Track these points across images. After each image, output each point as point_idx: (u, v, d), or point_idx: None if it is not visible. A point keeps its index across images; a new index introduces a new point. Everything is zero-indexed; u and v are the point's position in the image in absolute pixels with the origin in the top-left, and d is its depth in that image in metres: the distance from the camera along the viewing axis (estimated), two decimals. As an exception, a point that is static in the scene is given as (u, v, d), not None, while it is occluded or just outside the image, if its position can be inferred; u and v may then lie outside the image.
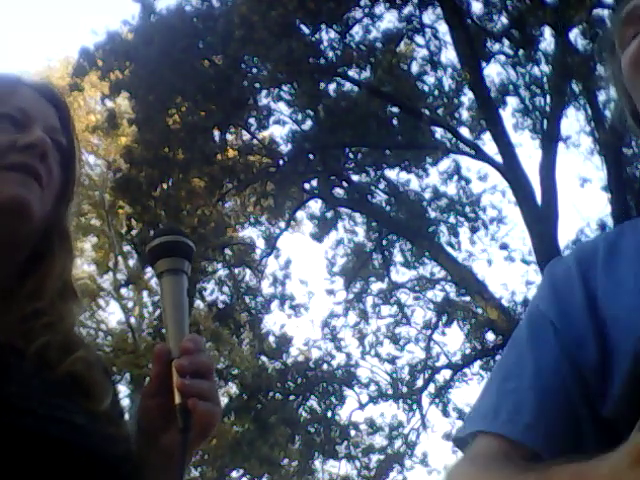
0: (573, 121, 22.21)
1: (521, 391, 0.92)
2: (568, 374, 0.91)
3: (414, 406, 12.55)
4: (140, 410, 1.07)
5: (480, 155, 11.19)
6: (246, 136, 12.01)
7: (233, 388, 13.55)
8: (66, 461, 0.99)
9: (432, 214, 12.44)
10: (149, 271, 14.01)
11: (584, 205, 35.51)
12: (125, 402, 13.27)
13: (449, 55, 17.91)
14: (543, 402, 0.90)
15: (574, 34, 10.17)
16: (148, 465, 1.06)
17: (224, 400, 12.27)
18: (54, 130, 1.17)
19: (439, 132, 11.61)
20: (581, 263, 0.97)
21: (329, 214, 12.75)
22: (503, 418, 0.91)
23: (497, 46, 10.74)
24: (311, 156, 11.60)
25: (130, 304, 16.54)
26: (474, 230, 12.47)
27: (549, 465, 0.75)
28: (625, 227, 1.01)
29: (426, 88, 11.55)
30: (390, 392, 12.81)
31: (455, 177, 12.43)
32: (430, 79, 11.50)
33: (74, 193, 1.23)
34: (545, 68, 10.88)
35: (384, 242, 12.76)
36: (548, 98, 11.02)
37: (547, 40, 10.57)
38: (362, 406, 12.90)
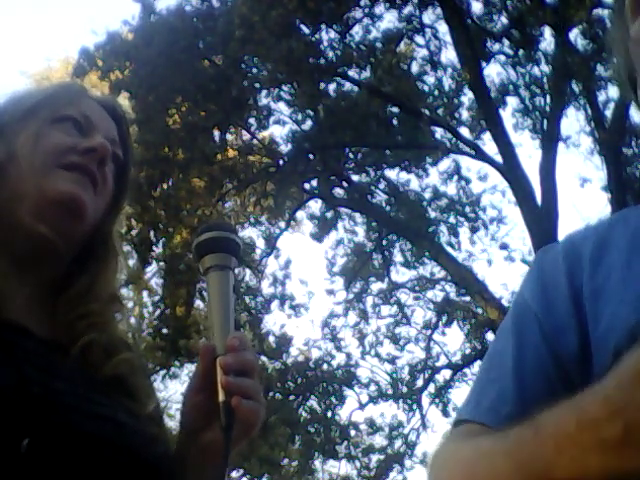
0: (573, 121, 22.24)
1: (503, 380, 0.92)
2: (550, 365, 0.91)
3: (414, 406, 12.56)
4: (183, 407, 1.07)
5: (480, 155, 11.19)
6: (246, 136, 12.01)
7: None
8: (109, 459, 0.99)
9: (432, 214, 12.43)
10: (149, 271, 14.01)
11: (584, 205, 35.51)
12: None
13: (449, 55, 17.89)
14: (525, 392, 0.90)
15: (574, 34, 10.18)
16: (188, 462, 1.06)
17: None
18: (113, 142, 1.20)
19: (439, 132, 11.61)
20: (568, 256, 0.97)
21: (329, 214, 12.74)
22: (485, 406, 0.92)
23: (497, 46, 10.75)
24: (311, 156, 11.60)
25: (130, 304, 16.54)
26: (474, 230, 12.47)
27: (536, 415, 0.74)
28: (617, 218, 1.00)
29: (426, 88, 11.55)
30: (390, 392, 12.80)
31: (455, 177, 12.43)
32: (430, 79, 11.51)
33: (123, 208, 1.25)
34: (545, 68, 10.89)
35: (384, 242, 12.75)
36: (548, 98, 11.02)
37: (547, 40, 10.59)
38: (362, 406, 12.90)
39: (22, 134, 1.13)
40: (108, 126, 1.22)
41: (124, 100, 11.66)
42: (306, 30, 10.36)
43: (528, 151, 30.62)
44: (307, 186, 12.19)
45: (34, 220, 1.08)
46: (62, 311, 1.11)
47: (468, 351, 12.45)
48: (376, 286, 13.12)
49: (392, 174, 12.47)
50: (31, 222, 1.08)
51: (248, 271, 12.86)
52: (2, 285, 1.03)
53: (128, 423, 1.04)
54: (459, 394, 12.74)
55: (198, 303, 12.42)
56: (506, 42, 10.69)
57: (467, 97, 11.59)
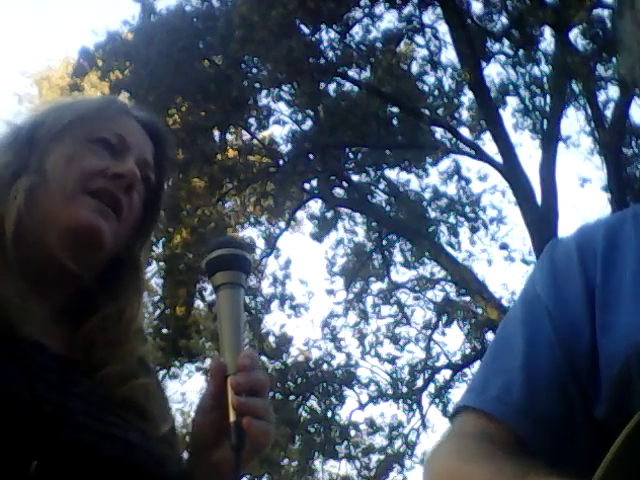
0: (573, 121, 22.18)
1: (511, 370, 0.90)
2: (561, 360, 0.89)
3: (414, 406, 12.56)
4: (194, 425, 1.07)
5: (480, 155, 11.19)
6: (246, 136, 12.01)
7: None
8: (119, 479, 0.99)
9: (432, 214, 12.44)
10: (149, 271, 14.00)
11: (584, 205, 35.50)
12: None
13: (449, 55, 17.89)
14: (534, 384, 0.88)
15: (574, 34, 10.17)
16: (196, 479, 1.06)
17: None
18: (146, 164, 1.19)
19: (439, 132, 11.62)
20: (582, 251, 0.95)
21: (329, 214, 12.74)
22: (491, 395, 0.90)
23: (497, 46, 10.74)
24: (311, 156, 11.60)
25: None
26: (474, 230, 12.47)
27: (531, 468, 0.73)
28: (628, 216, 0.98)
29: (426, 88, 11.55)
30: (390, 392, 12.80)
31: (455, 177, 12.44)
32: (430, 79, 11.52)
33: (152, 232, 1.25)
34: (545, 68, 10.89)
35: (384, 242, 12.75)
36: (548, 98, 11.01)
37: (547, 40, 10.58)
38: (362, 406, 12.89)
39: (55, 152, 1.13)
40: (143, 147, 1.20)
41: (124, 100, 11.66)
42: (306, 30, 10.36)
43: (528, 151, 30.55)
44: (307, 186, 12.20)
45: (61, 250, 1.09)
46: (84, 334, 1.11)
47: (468, 351, 12.45)
48: (376, 286, 13.14)
49: (392, 174, 12.49)
50: (58, 251, 1.08)
51: (248, 271, 12.83)
52: (19, 302, 1.03)
53: (139, 443, 1.04)
54: (459, 394, 12.70)
55: (198, 303, 12.43)
56: (506, 42, 10.68)
57: (467, 97, 11.61)
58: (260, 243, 13.05)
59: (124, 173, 1.13)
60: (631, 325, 0.84)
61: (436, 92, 11.55)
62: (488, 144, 11.25)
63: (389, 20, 16.51)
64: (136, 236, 1.20)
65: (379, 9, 10.70)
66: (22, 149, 1.14)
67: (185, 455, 1.10)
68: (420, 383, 12.54)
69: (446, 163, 12.40)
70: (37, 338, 1.04)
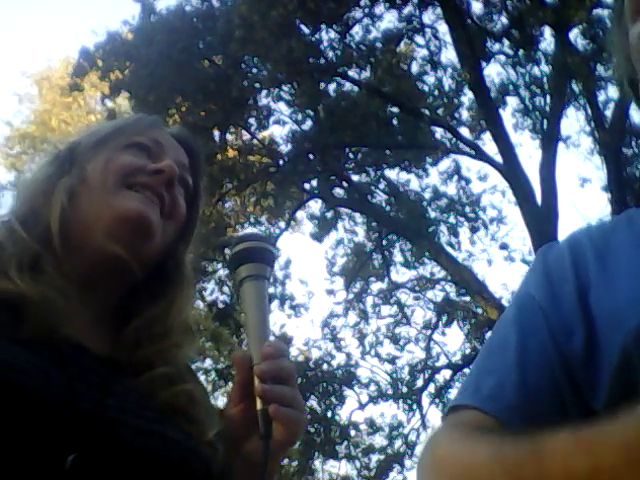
0: (573, 121, 22.23)
1: (504, 368, 0.89)
2: (555, 359, 0.88)
3: (414, 406, 12.56)
4: (224, 417, 1.07)
5: (480, 155, 11.19)
6: (246, 136, 12.01)
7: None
8: (156, 473, 1.00)
9: (432, 214, 12.44)
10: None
11: (584, 205, 35.53)
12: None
13: (449, 55, 17.93)
14: (527, 381, 0.88)
15: (574, 34, 10.18)
16: (232, 472, 1.06)
17: (224, 400, 12.19)
18: (183, 167, 1.22)
19: (439, 132, 11.62)
20: (574, 253, 0.96)
21: (329, 214, 12.75)
22: (484, 393, 0.89)
23: (497, 46, 10.74)
24: (311, 156, 11.59)
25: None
26: (474, 230, 12.48)
27: (543, 431, 0.70)
28: (621, 219, 1.00)
29: (426, 88, 11.55)
30: (390, 392, 12.80)
31: (455, 177, 12.44)
32: (430, 79, 11.52)
33: (192, 237, 1.26)
34: (545, 68, 10.89)
35: (384, 242, 12.76)
36: (548, 98, 11.02)
37: (547, 40, 10.60)
38: (362, 406, 12.90)
39: (94, 160, 1.17)
40: (179, 153, 1.23)
41: (124, 100, 11.68)
42: (306, 30, 10.35)
43: (528, 151, 30.65)
44: (307, 186, 12.19)
45: (108, 241, 1.10)
46: (129, 334, 1.12)
47: (468, 351, 12.45)
48: (376, 286, 13.15)
49: (392, 174, 12.49)
50: (105, 243, 1.10)
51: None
52: (62, 304, 1.03)
53: (179, 439, 1.04)
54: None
55: (198, 303, 12.42)
56: (506, 42, 10.69)
57: (467, 97, 11.61)
58: (260, 243, 13.03)
59: (163, 168, 1.16)
60: (626, 311, 0.84)
61: (436, 92, 11.55)
62: (488, 144, 11.27)
63: (389, 20, 16.58)
64: (180, 239, 1.22)
65: (379, 9, 10.71)
66: (63, 163, 1.18)
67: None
68: (420, 383, 12.56)
69: (446, 163, 12.44)
70: (78, 339, 1.04)
